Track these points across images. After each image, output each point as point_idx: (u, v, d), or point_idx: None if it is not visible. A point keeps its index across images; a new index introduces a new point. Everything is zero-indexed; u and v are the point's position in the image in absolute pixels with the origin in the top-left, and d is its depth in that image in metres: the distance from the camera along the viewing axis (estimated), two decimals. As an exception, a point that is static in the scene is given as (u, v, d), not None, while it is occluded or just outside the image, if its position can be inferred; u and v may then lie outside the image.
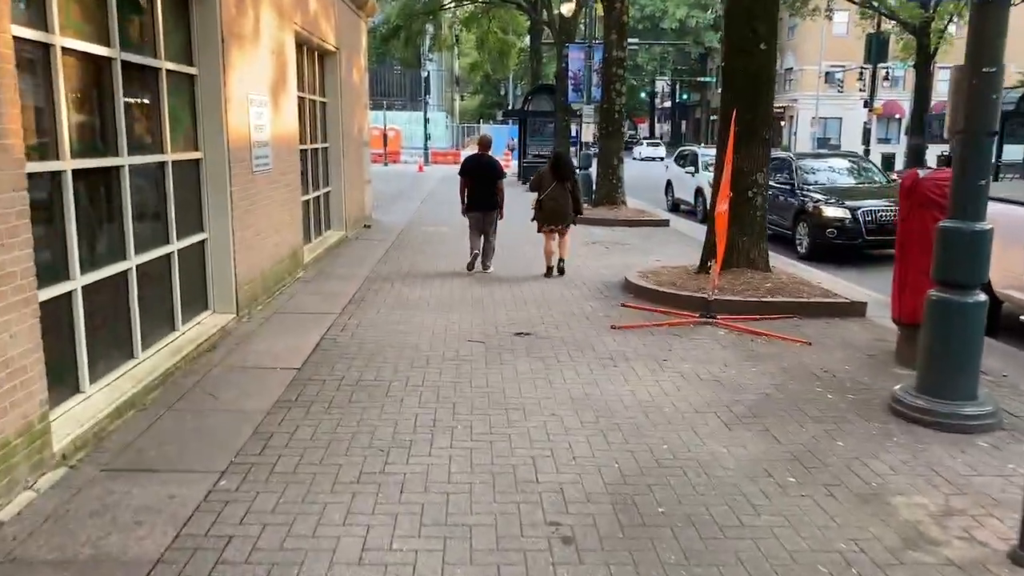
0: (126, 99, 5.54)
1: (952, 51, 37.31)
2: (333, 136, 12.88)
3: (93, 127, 5.23)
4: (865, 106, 42.82)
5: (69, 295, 4.78)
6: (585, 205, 16.58)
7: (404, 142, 52.80)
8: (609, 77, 16.53)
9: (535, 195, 10.16)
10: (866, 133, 42.44)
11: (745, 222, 8.97)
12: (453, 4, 35.51)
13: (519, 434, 4.85)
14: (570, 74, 21.29)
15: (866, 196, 13.27)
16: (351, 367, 6.15)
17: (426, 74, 44.56)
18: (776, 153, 14.88)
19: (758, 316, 7.85)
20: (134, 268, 5.65)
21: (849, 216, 12.58)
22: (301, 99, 10.99)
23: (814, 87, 58.05)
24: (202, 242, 7.10)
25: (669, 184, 20.77)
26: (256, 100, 7.94)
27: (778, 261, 10.28)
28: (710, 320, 7.74)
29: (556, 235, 10.16)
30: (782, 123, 63.28)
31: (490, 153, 10.66)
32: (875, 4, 35.42)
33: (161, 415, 5.02)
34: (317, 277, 9.76)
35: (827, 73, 56.79)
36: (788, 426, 5.05)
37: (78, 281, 4.84)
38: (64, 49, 4.71)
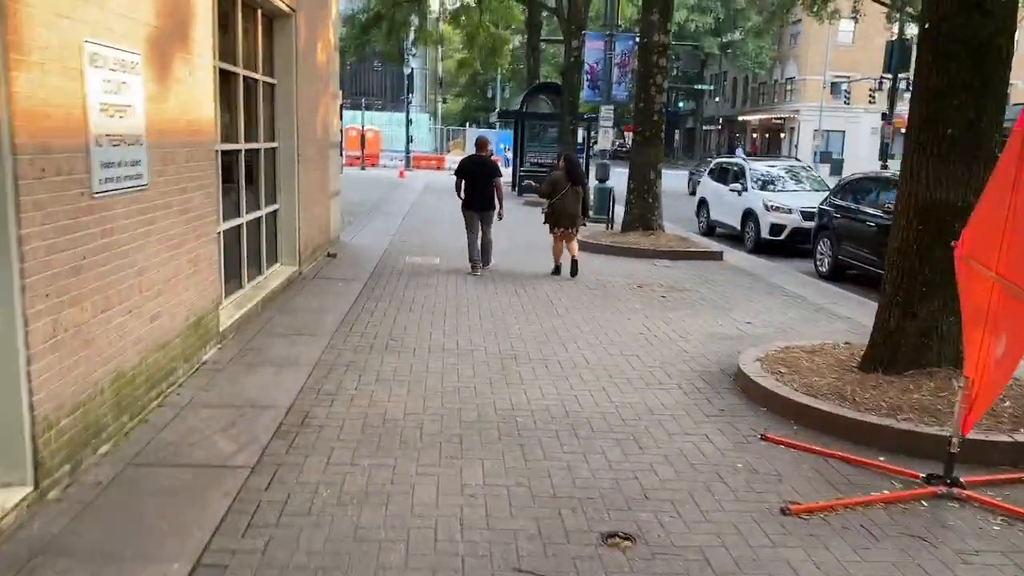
0: None
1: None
2: (285, 132, 9.15)
3: None
4: (883, 118, 39.80)
5: None
6: (612, 231, 13.23)
7: (384, 144, 49.03)
8: (648, 68, 12.93)
9: (547, 200, 10.45)
10: (884, 148, 39.39)
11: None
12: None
13: None
14: (586, 68, 17.67)
15: None
16: None
17: (409, 71, 40.77)
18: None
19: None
20: None
21: None
22: (229, 74, 7.27)
23: (817, 98, 55.12)
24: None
25: (703, 203, 17.22)
26: (105, 57, 4.22)
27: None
28: (953, 490, 4.14)
29: (566, 237, 10.37)
30: (782, 135, 60.33)
31: (486, 154, 10.85)
32: (903, 7, 32.47)
33: None
34: (235, 362, 6.00)
35: (832, 84, 53.83)
36: None
37: None
38: None
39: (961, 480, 4.17)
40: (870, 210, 10.99)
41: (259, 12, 8.21)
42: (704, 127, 70.98)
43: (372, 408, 5.08)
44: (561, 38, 27.13)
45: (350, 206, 18.84)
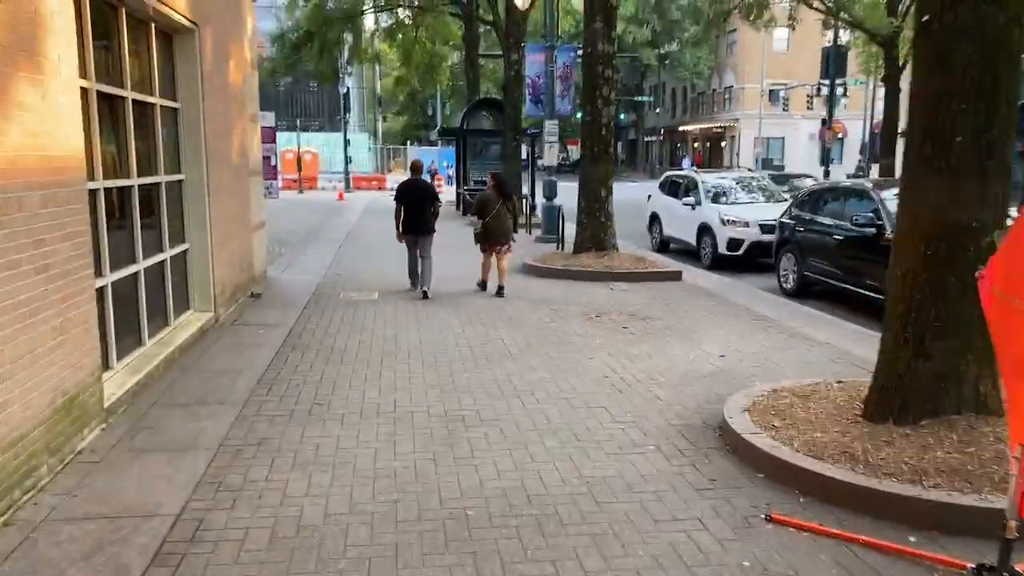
0: None
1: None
2: (192, 162, 8.06)
3: None
4: (823, 124, 40.03)
5: None
6: (563, 252, 12.53)
7: (322, 166, 47.62)
8: (594, 80, 12.15)
9: (477, 220, 10.29)
10: (825, 154, 39.58)
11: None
12: (374, 9, 30.88)
13: None
14: (528, 82, 16.88)
15: None
16: None
17: (345, 90, 39.61)
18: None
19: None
20: None
21: None
22: (115, 99, 6.19)
23: (756, 105, 55.58)
24: None
25: (655, 218, 16.52)
26: None
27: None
28: (1011, 584, 3.32)
29: (496, 255, 10.29)
30: (723, 143, 60.70)
31: (423, 176, 10.95)
32: (839, 14, 32.72)
33: None
34: (119, 448, 4.91)
35: (770, 91, 54.35)
36: None
37: None
38: None
39: (1020, 571, 3.36)
40: (835, 222, 10.36)
41: (152, 27, 7.15)
42: (646, 138, 71.18)
43: (285, 508, 4.05)
44: (500, 52, 26.42)
45: (283, 234, 17.71)
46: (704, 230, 14.05)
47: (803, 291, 10.94)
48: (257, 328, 8.15)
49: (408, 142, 59.87)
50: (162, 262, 7.35)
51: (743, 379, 6.44)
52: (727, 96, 59.89)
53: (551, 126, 16.47)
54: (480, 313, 9.09)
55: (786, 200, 15.09)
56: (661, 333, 8.16)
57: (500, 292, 10.13)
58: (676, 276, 11.71)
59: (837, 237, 10.17)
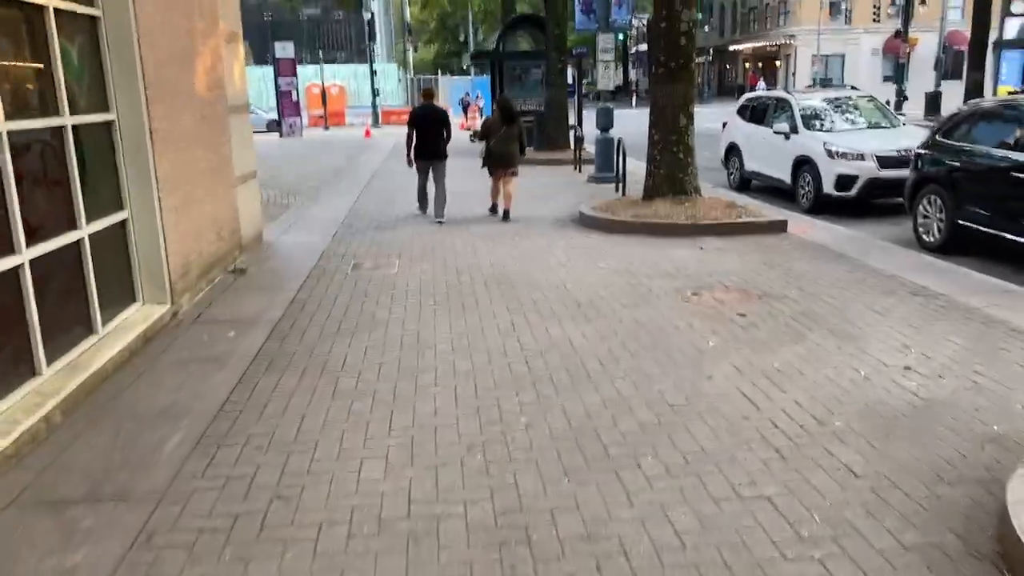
0: None
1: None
2: (125, 97, 5.67)
3: None
4: (897, 35, 36.00)
5: None
6: (628, 197, 11.00)
7: (350, 101, 44.96)
8: (669, -26, 9.37)
9: (483, 143, 10.36)
10: (900, 70, 35.68)
11: None
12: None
13: None
14: (577, -12, 14.01)
15: None
16: None
17: (369, 16, 36.58)
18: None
19: None
20: None
21: None
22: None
23: (813, 20, 51.04)
24: None
25: (733, 150, 13.80)
26: None
27: None
28: None
29: (505, 177, 10.18)
30: (777, 63, 56.24)
31: (435, 102, 10.88)
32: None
33: None
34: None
35: (832, 3, 49.66)
36: None
37: None
38: None
39: None
40: (1009, 154, 7.65)
41: None
42: (708, 59, 66.46)
43: None
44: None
45: (297, 180, 15.40)
46: (802, 164, 11.34)
47: (953, 245, 8.30)
48: (227, 328, 5.85)
49: (440, 72, 56.56)
50: (77, 243, 5.05)
51: (968, 418, 4.00)
52: (782, 10, 55.17)
53: (605, 41, 13.66)
54: (535, 293, 6.68)
55: (906, 126, 12.28)
56: (797, 324, 5.69)
57: (506, 216, 10.17)
58: (781, 227, 9.13)
59: (1015, 174, 7.47)
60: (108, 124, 5.62)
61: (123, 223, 5.80)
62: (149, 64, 5.78)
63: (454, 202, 10.75)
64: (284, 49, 31.48)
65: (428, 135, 10.27)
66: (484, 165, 10.38)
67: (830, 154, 10.72)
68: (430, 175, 10.42)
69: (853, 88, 15.18)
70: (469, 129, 24.60)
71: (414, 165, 10.46)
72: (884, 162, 10.42)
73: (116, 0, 5.50)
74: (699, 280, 7.01)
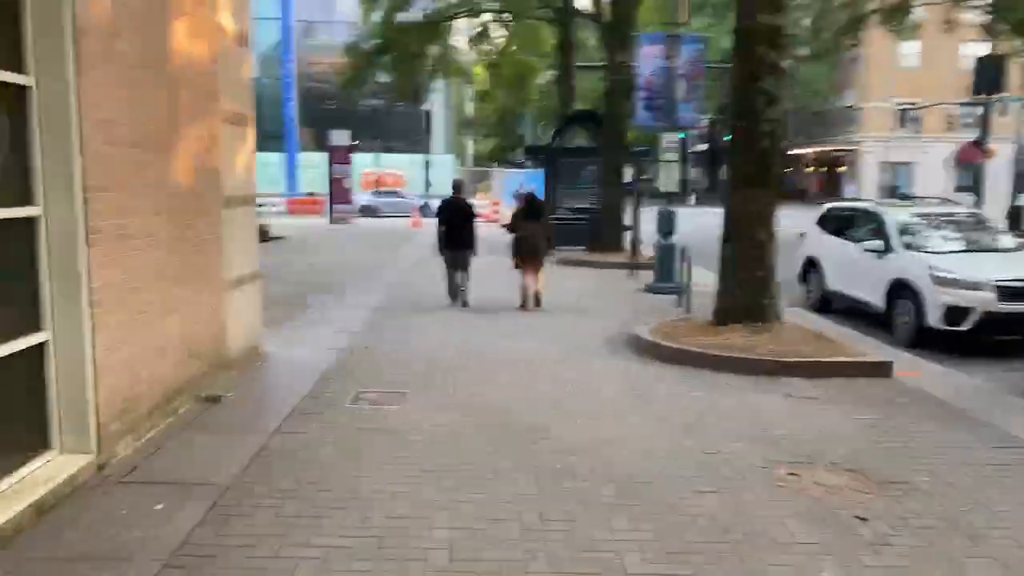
0: None
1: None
2: (56, 187, 4.41)
3: None
4: (976, 144, 34.28)
5: None
6: (693, 319, 9.80)
7: (410, 189, 44.78)
8: (750, 66, 8.04)
9: (511, 234, 10.73)
10: (977, 182, 33.75)
11: None
12: (454, 16, 27.04)
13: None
14: (641, 82, 12.83)
15: None
16: None
17: (428, 108, 36.53)
18: None
19: None
20: None
21: None
22: None
23: (881, 128, 49.76)
24: None
25: (812, 265, 12.12)
26: None
27: None
28: None
29: (532, 272, 10.53)
30: (840, 169, 54.75)
31: (463, 196, 11.37)
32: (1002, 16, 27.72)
33: None
34: None
35: (902, 111, 48.34)
36: None
37: None
38: None
39: None
40: None
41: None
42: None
43: None
44: (597, 64, 22.48)
45: (324, 275, 14.21)
46: (900, 289, 9.60)
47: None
48: (159, 495, 4.35)
49: (496, 164, 56.41)
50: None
51: None
52: (848, 116, 54.03)
53: (669, 140, 12.36)
54: (575, 461, 5.06)
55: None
56: (943, 541, 3.95)
57: (538, 302, 10.56)
58: (884, 371, 7.38)
59: None
60: (30, 221, 4.35)
61: (40, 347, 4.46)
62: (94, 146, 4.54)
63: (485, 312, 9.42)
64: (340, 137, 31.34)
65: (455, 226, 10.61)
66: (513, 255, 10.64)
67: (937, 280, 9.01)
68: (457, 265, 10.71)
69: (949, 201, 13.49)
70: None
71: (443, 255, 10.78)
72: (1004, 292, 8.69)
73: (52, 66, 4.31)
74: (794, 448, 5.32)
